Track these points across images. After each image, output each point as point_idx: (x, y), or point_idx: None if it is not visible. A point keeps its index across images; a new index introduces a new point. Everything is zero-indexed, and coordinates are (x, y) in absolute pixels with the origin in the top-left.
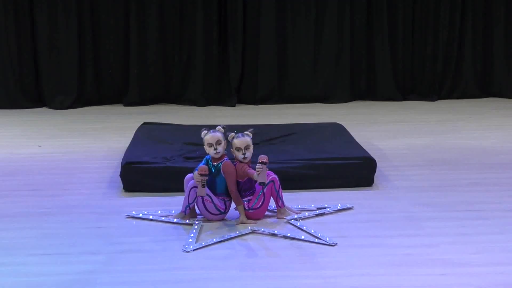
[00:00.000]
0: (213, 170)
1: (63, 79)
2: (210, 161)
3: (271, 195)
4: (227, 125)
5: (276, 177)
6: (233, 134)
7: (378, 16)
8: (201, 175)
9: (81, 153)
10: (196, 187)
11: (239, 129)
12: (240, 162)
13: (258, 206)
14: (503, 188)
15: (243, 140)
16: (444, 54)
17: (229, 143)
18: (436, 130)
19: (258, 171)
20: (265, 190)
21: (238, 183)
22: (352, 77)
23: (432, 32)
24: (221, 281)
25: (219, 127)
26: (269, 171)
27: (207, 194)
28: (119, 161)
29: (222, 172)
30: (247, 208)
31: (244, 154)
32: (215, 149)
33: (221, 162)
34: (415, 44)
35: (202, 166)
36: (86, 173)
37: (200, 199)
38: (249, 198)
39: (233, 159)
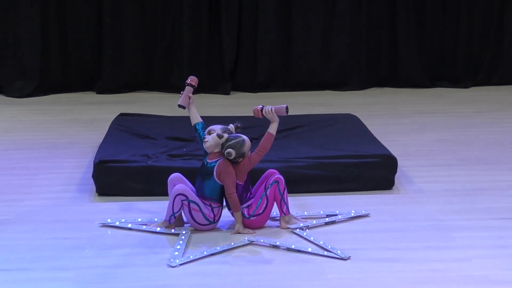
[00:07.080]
0: (205, 163)
1: (22, 62)
2: (205, 154)
3: (275, 199)
4: (220, 117)
5: (281, 177)
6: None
7: None
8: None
9: (45, 149)
10: (183, 194)
11: (233, 121)
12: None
13: (261, 211)
14: None
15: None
16: (481, 32)
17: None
18: (471, 123)
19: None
20: (268, 192)
21: (236, 186)
22: (370, 60)
23: (466, 7)
24: None
25: (231, 125)
26: (273, 170)
27: (194, 202)
28: (91, 159)
29: (215, 173)
30: (247, 216)
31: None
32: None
33: (215, 161)
34: (446, 20)
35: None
36: (51, 173)
37: (186, 208)
38: (249, 203)
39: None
